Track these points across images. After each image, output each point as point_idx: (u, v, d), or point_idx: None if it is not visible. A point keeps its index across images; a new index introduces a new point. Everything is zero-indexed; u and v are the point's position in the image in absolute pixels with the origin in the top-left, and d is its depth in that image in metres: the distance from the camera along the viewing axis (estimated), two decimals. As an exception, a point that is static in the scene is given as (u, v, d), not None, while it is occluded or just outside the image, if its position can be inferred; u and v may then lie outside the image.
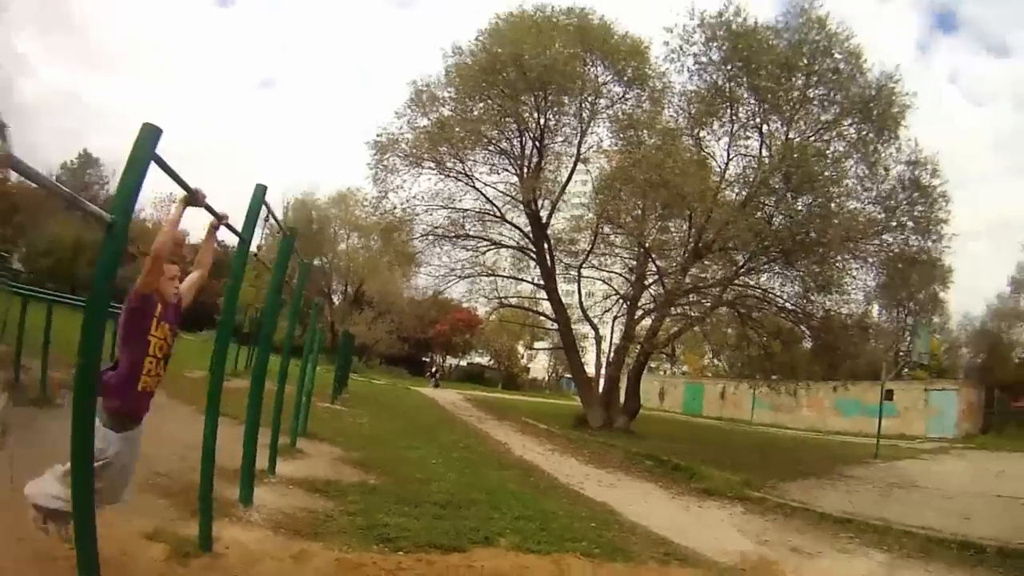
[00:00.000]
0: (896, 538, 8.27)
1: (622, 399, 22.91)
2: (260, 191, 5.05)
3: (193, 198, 3.72)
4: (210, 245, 4.50)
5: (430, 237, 23.88)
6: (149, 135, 3.00)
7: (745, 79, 17.53)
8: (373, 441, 11.84)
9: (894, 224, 17.02)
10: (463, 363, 65.15)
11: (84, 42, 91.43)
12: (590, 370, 25.37)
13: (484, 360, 64.31)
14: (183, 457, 6.69)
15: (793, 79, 17.07)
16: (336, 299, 52.00)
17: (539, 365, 67.06)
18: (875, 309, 20.01)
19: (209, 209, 4.06)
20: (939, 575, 7.02)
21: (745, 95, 17.94)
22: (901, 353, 21.95)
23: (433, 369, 47.34)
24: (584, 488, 10.73)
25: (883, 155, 16.89)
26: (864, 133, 16.86)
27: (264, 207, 5.20)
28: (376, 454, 10.17)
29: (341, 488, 7.17)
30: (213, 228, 4.40)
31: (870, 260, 18.20)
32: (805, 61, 16.86)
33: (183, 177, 3.52)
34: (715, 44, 17.78)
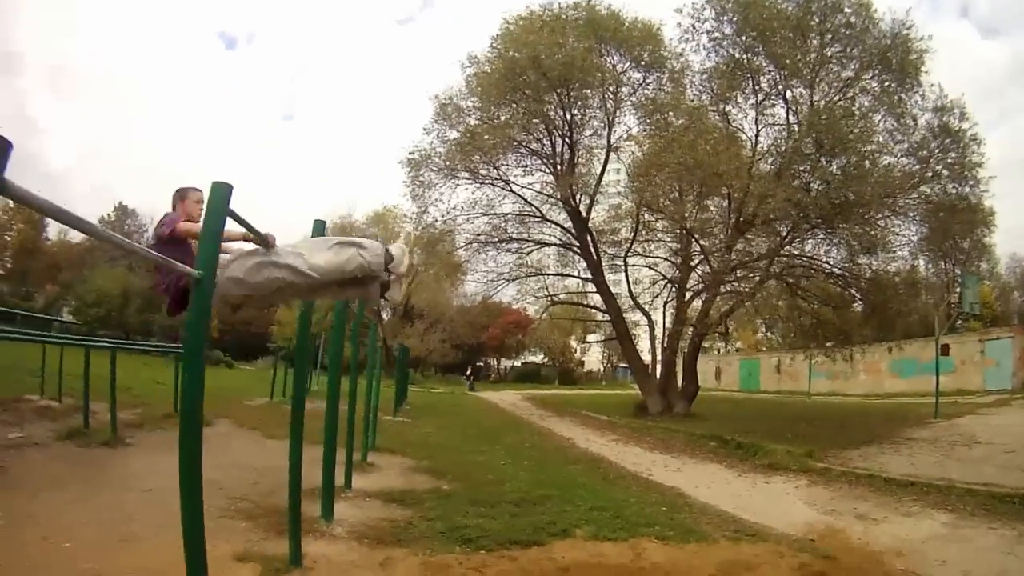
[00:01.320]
0: (959, 497, 8.32)
1: (679, 383, 22.89)
2: (319, 226, 5.23)
3: (263, 243, 3.98)
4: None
5: (474, 245, 24.16)
6: (221, 192, 3.26)
7: (762, 48, 17.43)
8: (440, 449, 12.09)
9: (929, 174, 16.73)
10: (517, 363, 65.41)
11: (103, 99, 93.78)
12: (645, 357, 25.37)
13: (538, 359, 64.47)
14: (256, 482, 7.06)
15: (808, 40, 16.97)
16: (385, 315, 52.61)
17: (593, 358, 66.99)
18: (921, 263, 19.66)
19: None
20: (1003, 531, 6.96)
21: (764, 64, 17.86)
22: (952, 305, 21.42)
23: (468, 372, 47.37)
24: (652, 474, 10.88)
25: (909, 104, 16.70)
26: (887, 84, 16.66)
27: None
28: (445, 461, 10.41)
29: (416, 496, 7.40)
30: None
31: (911, 214, 17.88)
32: (817, 20, 16.75)
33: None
34: (726, 18, 17.85)
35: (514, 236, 24.63)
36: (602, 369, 68.53)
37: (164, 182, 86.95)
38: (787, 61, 17.02)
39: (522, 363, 65.24)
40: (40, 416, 10.26)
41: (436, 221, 22.98)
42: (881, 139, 16.84)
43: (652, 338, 25.14)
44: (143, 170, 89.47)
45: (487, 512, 6.85)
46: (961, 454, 11.82)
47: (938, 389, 18.97)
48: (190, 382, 3.09)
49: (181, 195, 4.35)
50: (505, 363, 65.86)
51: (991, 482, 8.76)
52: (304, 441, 4.98)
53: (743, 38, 17.67)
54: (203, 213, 3.98)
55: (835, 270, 20.17)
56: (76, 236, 52.96)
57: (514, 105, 21.03)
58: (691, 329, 22.53)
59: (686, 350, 23.12)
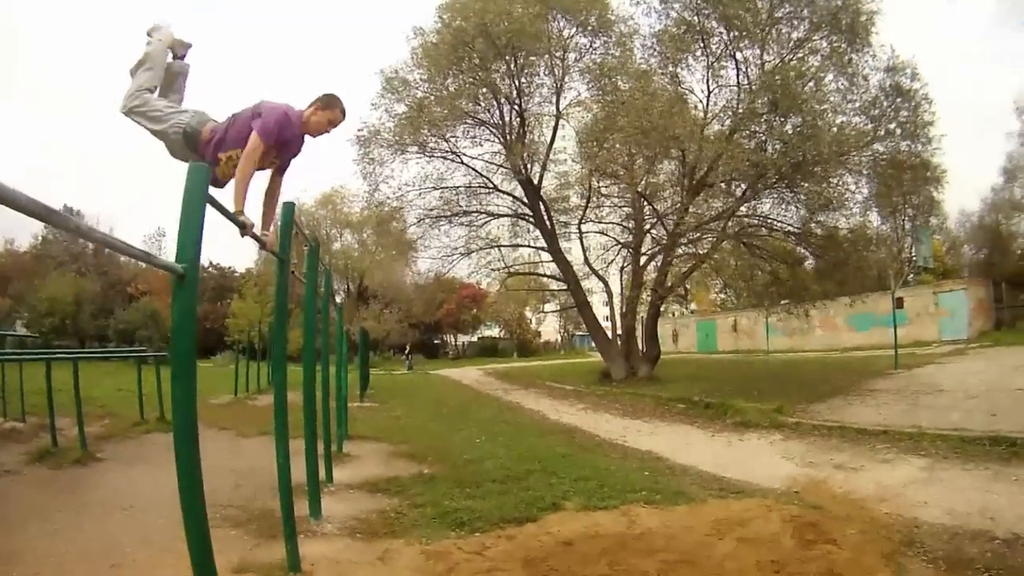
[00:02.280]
0: (931, 442, 8.63)
1: (641, 347, 23.10)
2: (289, 209, 5.04)
3: (243, 230, 3.79)
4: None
5: (426, 220, 23.93)
6: (198, 175, 2.98)
7: (712, 10, 17.46)
8: (414, 431, 11.93)
9: (882, 133, 17.01)
10: (475, 339, 65.44)
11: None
12: (603, 324, 25.54)
13: (495, 332, 64.59)
14: (238, 485, 6.81)
15: (759, 2, 16.99)
16: (339, 298, 52.01)
17: (549, 328, 67.51)
18: (874, 219, 20.06)
19: (256, 238, 4.12)
20: (977, 472, 7.23)
21: (715, 26, 17.86)
22: (906, 259, 22.01)
23: (406, 351, 46.64)
24: (627, 440, 10.96)
25: (860, 65, 16.88)
26: (836, 45, 16.78)
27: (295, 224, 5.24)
28: (421, 443, 10.26)
29: (400, 483, 7.25)
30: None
31: (864, 172, 18.19)
32: None
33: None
34: None
35: (466, 209, 24.46)
36: (559, 339, 69.06)
37: (103, 178, 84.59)
38: (737, 22, 17.06)
39: (479, 338, 65.29)
40: (6, 439, 9.76)
41: (388, 199, 22.77)
42: (833, 99, 17.05)
43: (611, 304, 25.32)
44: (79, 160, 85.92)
45: (474, 493, 6.76)
46: (927, 402, 12.20)
47: (897, 341, 19.50)
48: (182, 392, 2.85)
49: (326, 102, 4.29)
50: (463, 339, 65.80)
51: (960, 427, 9.12)
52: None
53: (694, 0, 17.65)
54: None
55: (790, 228, 20.47)
56: (23, 244, 51.28)
57: (461, 75, 20.73)
58: (652, 292, 22.69)
59: (647, 314, 23.29)
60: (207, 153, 3.90)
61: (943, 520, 5.58)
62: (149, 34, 4.17)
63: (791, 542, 4.90)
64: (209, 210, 3.09)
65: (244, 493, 6.52)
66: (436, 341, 61.76)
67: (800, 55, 17.26)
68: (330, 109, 4.26)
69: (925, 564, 4.62)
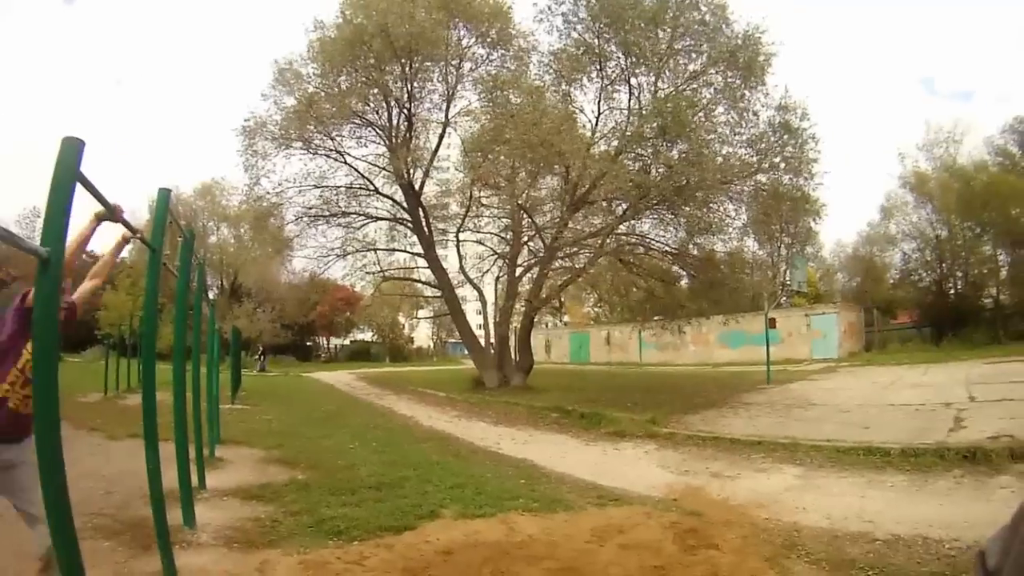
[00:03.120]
0: (806, 452, 9.02)
1: (514, 357, 23.34)
2: (164, 195, 4.74)
3: (111, 214, 3.54)
4: (113, 258, 4.34)
5: (304, 219, 23.26)
6: (71, 150, 2.72)
7: (613, 35, 17.80)
8: (287, 435, 11.53)
9: (767, 165, 17.76)
10: (347, 342, 64.23)
11: None
12: (477, 333, 25.65)
13: (368, 336, 63.65)
14: (108, 491, 6.42)
15: (660, 32, 17.45)
16: (212, 295, 50.00)
17: (422, 334, 67.15)
18: (751, 244, 21.08)
19: (126, 224, 3.89)
20: (853, 479, 7.64)
21: (614, 50, 18.21)
22: (781, 283, 23.39)
23: (259, 351, 44.13)
24: (501, 448, 11.00)
25: (752, 101, 17.57)
26: (731, 80, 17.46)
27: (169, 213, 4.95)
28: (294, 448, 9.97)
29: (275, 490, 7.01)
30: (124, 241, 4.24)
31: (745, 200, 19.02)
32: (671, 14, 17.23)
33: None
34: (583, 3, 18.07)
35: (345, 210, 23.94)
36: (432, 345, 68.84)
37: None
38: (636, 49, 17.43)
39: (352, 341, 64.14)
40: None
41: (267, 193, 21.95)
42: (722, 130, 17.74)
43: (485, 313, 25.52)
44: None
45: (349, 500, 6.64)
46: (799, 415, 12.89)
47: (769, 358, 20.62)
48: (44, 391, 2.62)
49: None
50: (335, 342, 64.40)
51: (833, 438, 9.60)
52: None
53: (597, 24, 17.94)
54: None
55: (668, 248, 21.19)
56: None
57: (355, 74, 20.34)
58: (527, 303, 22.97)
59: (521, 324, 23.56)
60: None
61: (822, 524, 5.83)
62: None
63: (673, 547, 5.04)
64: (81, 191, 2.85)
65: (116, 500, 6.14)
66: (308, 343, 60.12)
67: (694, 86, 17.88)
68: None
69: (808, 565, 4.80)
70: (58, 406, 2.67)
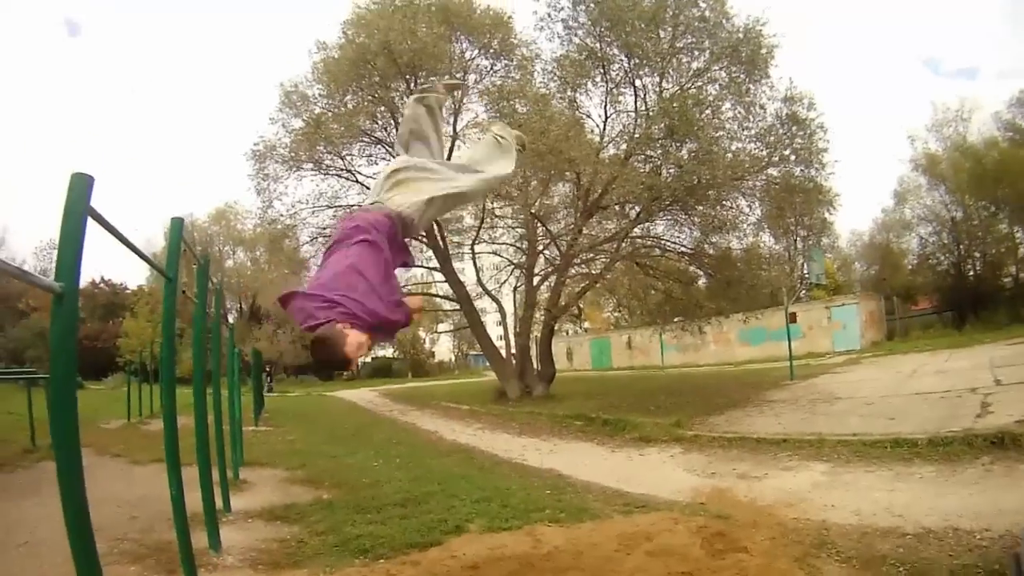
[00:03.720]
0: (832, 448, 8.90)
1: (536, 366, 23.29)
2: (178, 224, 4.75)
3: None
4: None
5: (319, 239, 23.38)
6: (81, 185, 2.76)
7: (614, 37, 17.78)
8: (310, 455, 11.57)
9: (776, 159, 17.67)
10: (369, 359, 64.32)
11: None
12: (497, 344, 25.62)
13: (389, 353, 63.75)
14: (133, 516, 6.41)
15: (661, 32, 17.43)
16: (231, 318, 50.41)
17: (443, 348, 67.31)
18: (767, 239, 20.92)
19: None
20: (880, 473, 7.54)
21: (616, 53, 18.19)
22: (799, 277, 23.19)
23: (267, 370, 44.01)
24: (526, 459, 10.94)
25: (757, 94, 17.51)
26: (735, 75, 17.39)
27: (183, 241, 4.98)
28: (318, 468, 9.98)
29: (299, 510, 7.00)
30: None
31: (758, 195, 18.92)
32: (671, 13, 17.23)
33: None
34: (583, 7, 18.04)
35: (359, 229, 23.97)
36: (454, 359, 68.86)
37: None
38: (639, 51, 17.42)
39: (373, 358, 64.24)
40: None
41: (281, 216, 22.12)
42: (729, 126, 17.64)
43: (504, 324, 25.47)
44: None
45: (375, 518, 6.60)
46: (824, 409, 12.74)
47: (791, 353, 20.42)
48: (63, 420, 2.64)
49: None
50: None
51: (860, 431, 9.47)
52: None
53: (598, 28, 17.95)
54: None
55: (684, 249, 21.10)
56: None
57: (361, 93, 20.46)
58: (545, 312, 22.94)
59: (541, 333, 23.52)
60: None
61: (851, 521, 5.75)
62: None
63: (701, 552, 4.97)
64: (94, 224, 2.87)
65: (140, 525, 6.12)
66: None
67: (699, 84, 17.81)
68: None
69: (839, 564, 4.72)
70: (77, 431, 2.68)
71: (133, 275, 55.59)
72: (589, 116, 19.92)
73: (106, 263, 56.70)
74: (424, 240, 23.86)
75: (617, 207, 19.76)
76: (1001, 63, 78.37)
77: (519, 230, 24.98)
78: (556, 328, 27.79)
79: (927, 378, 15.29)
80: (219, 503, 6.50)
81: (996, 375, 13.60)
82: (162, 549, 5.28)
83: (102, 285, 52.34)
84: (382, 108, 20.93)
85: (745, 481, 7.94)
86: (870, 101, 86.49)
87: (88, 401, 26.99)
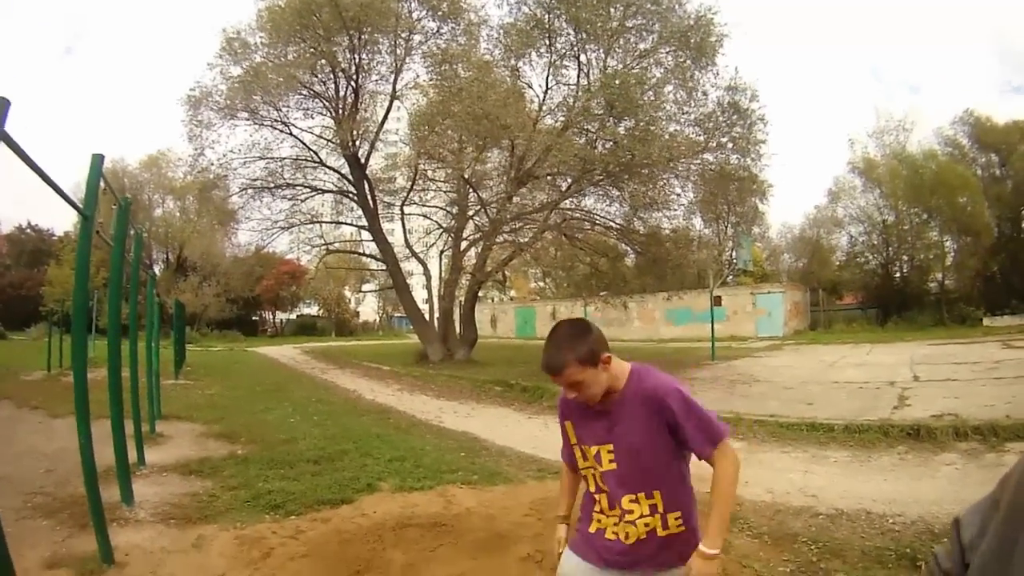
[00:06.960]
0: (748, 427, 9.20)
1: (458, 331, 23.49)
2: (98, 161, 4.54)
3: None
4: None
5: (249, 191, 22.92)
6: None
7: (564, 10, 17.80)
8: (228, 410, 11.52)
9: (714, 144, 18.05)
10: (293, 317, 63.47)
11: None
12: (422, 307, 25.70)
13: (314, 311, 63.00)
14: (49, 470, 6.36)
15: (612, 10, 17.51)
16: (158, 269, 48.91)
17: (368, 308, 66.79)
18: (698, 223, 21.42)
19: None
20: (796, 453, 7.85)
21: (564, 26, 18.25)
22: (726, 261, 23.80)
23: None
24: (443, 421, 11.14)
25: (701, 81, 17.80)
26: (682, 60, 17.63)
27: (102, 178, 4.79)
28: (235, 423, 9.96)
29: (213, 464, 7.03)
30: None
31: (692, 179, 19.33)
32: None
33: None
34: None
35: (290, 182, 23.75)
36: (378, 319, 68.51)
37: None
38: (587, 26, 17.48)
39: (297, 316, 63.40)
40: None
41: (212, 165, 21.54)
42: (670, 108, 17.91)
43: (429, 287, 25.58)
44: None
45: (288, 474, 6.68)
46: (743, 391, 13.07)
47: (713, 335, 21.04)
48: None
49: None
50: (281, 316, 63.57)
51: (776, 413, 9.78)
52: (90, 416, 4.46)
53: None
54: None
55: (614, 224, 21.43)
56: None
57: (303, 44, 20.01)
58: (470, 277, 23.09)
59: (465, 298, 23.71)
60: None
61: (764, 498, 5.90)
62: None
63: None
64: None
65: (55, 478, 6.06)
66: (254, 318, 59.19)
67: (644, 65, 18.00)
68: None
69: (750, 540, 4.82)
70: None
71: (61, 221, 53.49)
72: (530, 86, 20.06)
73: (35, 208, 54.49)
74: (354, 198, 23.68)
75: (549, 177, 19.95)
76: (946, 84, 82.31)
77: (451, 194, 24.96)
78: (481, 295, 28.00)
79: (848, 369, 15.79)
80: (133, 457, 6.47)
81: (915, 371, 14.07)
82: (76, 503, 5.23)
83: (28, 231, 50.15)
84: (322, 62, 20.51)
85: (659, 453, 8.16)
86: (813, 101, 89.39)
87: (9, 351, 26.10)
